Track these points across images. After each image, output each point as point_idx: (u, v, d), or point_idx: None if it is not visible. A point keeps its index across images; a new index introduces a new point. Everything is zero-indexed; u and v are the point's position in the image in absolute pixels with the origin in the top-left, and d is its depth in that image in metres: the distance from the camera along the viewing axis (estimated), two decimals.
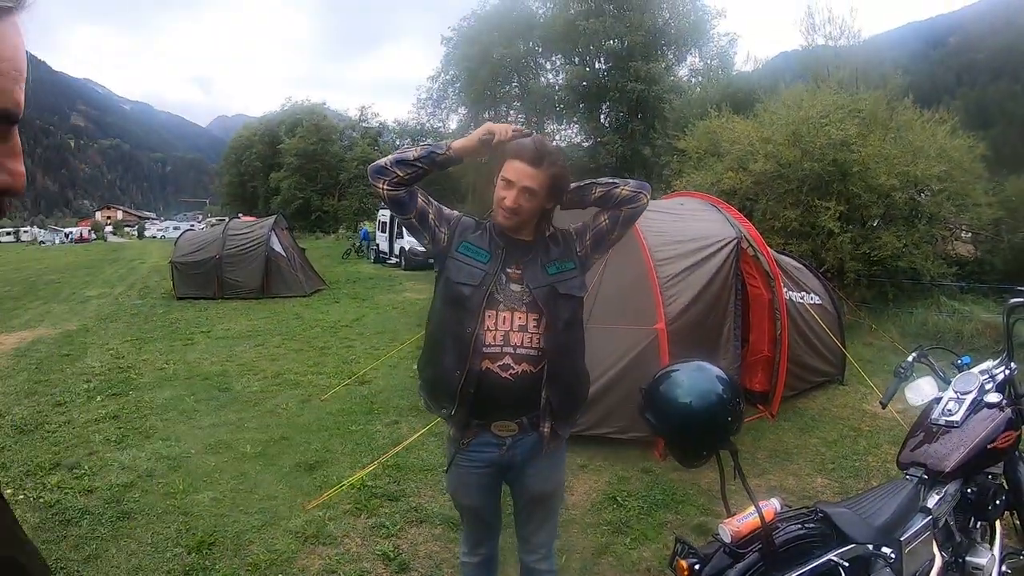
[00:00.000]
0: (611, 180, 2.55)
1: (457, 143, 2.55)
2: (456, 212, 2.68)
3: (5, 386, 8.15)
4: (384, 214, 28.12)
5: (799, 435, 6.08)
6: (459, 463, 2.65)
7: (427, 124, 34.79)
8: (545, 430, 2.54)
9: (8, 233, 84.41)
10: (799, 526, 2.33)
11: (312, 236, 44.57)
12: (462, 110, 33.74)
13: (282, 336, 11.42)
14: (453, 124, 34.19)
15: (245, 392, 7.83)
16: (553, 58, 30.52)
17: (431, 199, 2.61)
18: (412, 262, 23.69)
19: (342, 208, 48.59)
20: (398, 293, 17.73)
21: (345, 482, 5.03)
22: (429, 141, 2.42)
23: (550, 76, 30.99)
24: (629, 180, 2.54)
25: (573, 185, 2.54)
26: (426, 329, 2.71)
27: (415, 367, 2.84)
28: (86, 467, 5.52)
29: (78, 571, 3.94)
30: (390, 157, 2.52)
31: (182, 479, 5.26)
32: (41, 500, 4.88)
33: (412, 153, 2.50)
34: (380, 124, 50.78)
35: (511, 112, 32.10)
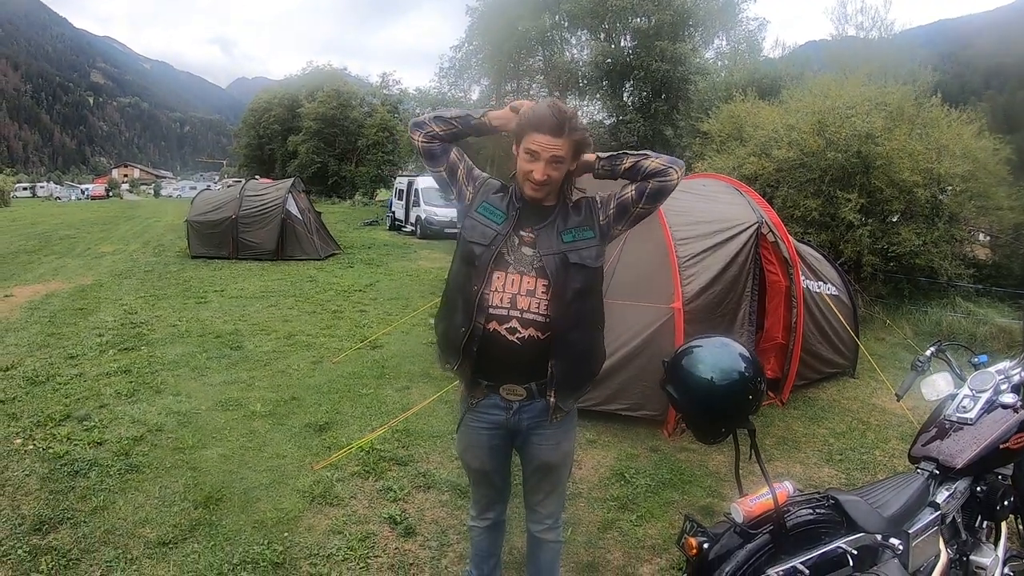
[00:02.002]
0: (643, 152, 2.51)
1: (493, 113, 2.62)
2: (486, 174, 2.69)
3: (18, 338, 8.20)
4: (401, 182, 28.03)
5: (808, 424, 6.06)
6: (468, 422, 2.69)
7: (448, 94, 34.44)
8: (551, 399, 2.54)
9: (25, 188, 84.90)
10: (810, 511, 2.32)
11: (328, 201, 44.67)
12: (484, 81, 33.39)
13: (295, 298, 11.46)
14: (475, 95, 33.87)
15: (257, 351, 7.87)
16: (579, 33, 30.00)
17: (464, 156, 2.66)
18: (427, 231, 23.71)
19: (359, 174, 48.53)
20: (412, 261, 17.73)
21: (354, 444, 5.07)
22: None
23: (575, 51, 30.53)
24: (662, 154, 2.50)
25: (604, 155, 2.53)
26: (445, 286, 2.72)
27: (432, 322, 2.85)
28: (96, 420, 5.58)
29: (85, 522, 3.98)
30: (431, 112, 2.63)
31: (191, 435, 5.31)
32: (50, 451, 4.93)
33: (450, 112, 2.62)
34: (401, 92, 50.48)
35: (534, 85, 31.84)
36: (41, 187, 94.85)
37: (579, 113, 2.64)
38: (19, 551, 3.64)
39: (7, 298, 10.86)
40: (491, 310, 2.45)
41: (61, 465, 4.71)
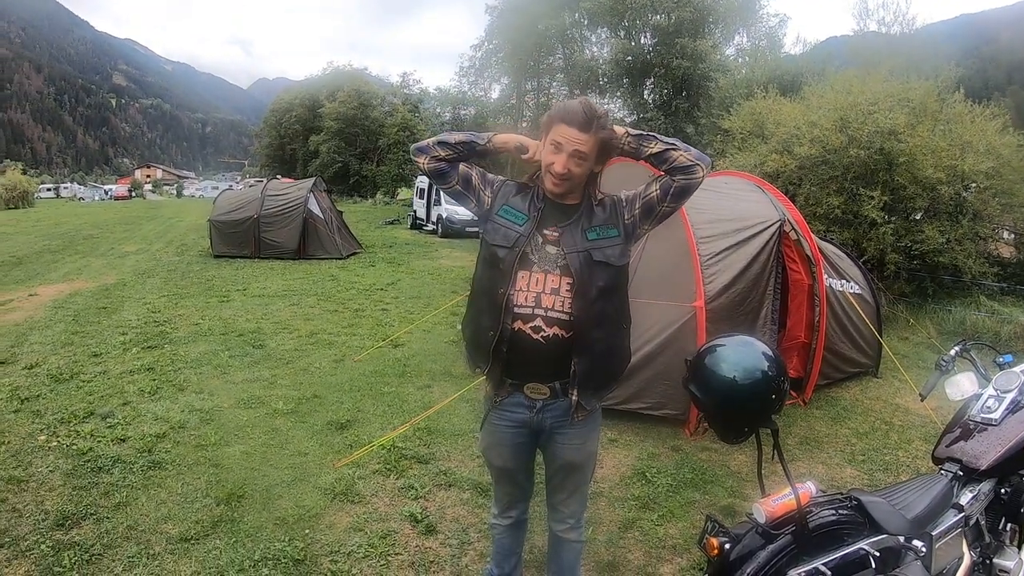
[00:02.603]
0: (673, 140, 2.48)
1: (499, 138, 2.64)
2: (501, 177, 2.70)
3: (42, 336, 8.30)
4: (422, 180, 28.12)
5: (830, 424, 6.02)
6: (492, 420, 2.70)
7: (469, 92, 34.54)
8: (573, 397, 2.54)
9: (48, 189, 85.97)
10: (833, 512, 2.31)
11: (350, 200, 44.86)
12: (505, 80, 33.46)
13: (317, 296, 11.52)
14: (495, 93, 33.97)
15: (279, 350, 7.91)
16: (598, 31, 30.02)
17: (473, 164, 2.67)
18: (449, 229, 23.81)
19: (380, 173, 48.66)
20: (434, 260, 17.76)
21: (376, 442, 5.09)
22: (471, 131, 2.43)
23: (595, 49, 30.56)
24: (691, 147, 2.47)
25: (634, 132, 2.50)
26: (470, 290, 2.73)
27: (459, 327, 2.86)
28: (119, 417, 5.64)
29: (108, 517, 4.02)
30: (434, 138, 2.64)
31: (214, 432, 5.36)
32: (74, 447, 4.99)
33: (454, 137, 2.62)
34: (421, 91, 50.56)
35: (554, 84, 31.85)
36: (65, 188, 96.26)
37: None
38: (42, 546, 3.69)
39: (32, 297, 10.98)
40: (516, 309, 2.45)
41: (84, 461, 4.76)
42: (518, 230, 2.50)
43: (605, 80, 28.73)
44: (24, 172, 58.72)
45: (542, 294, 2.45)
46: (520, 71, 31.02)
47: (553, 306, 2.44)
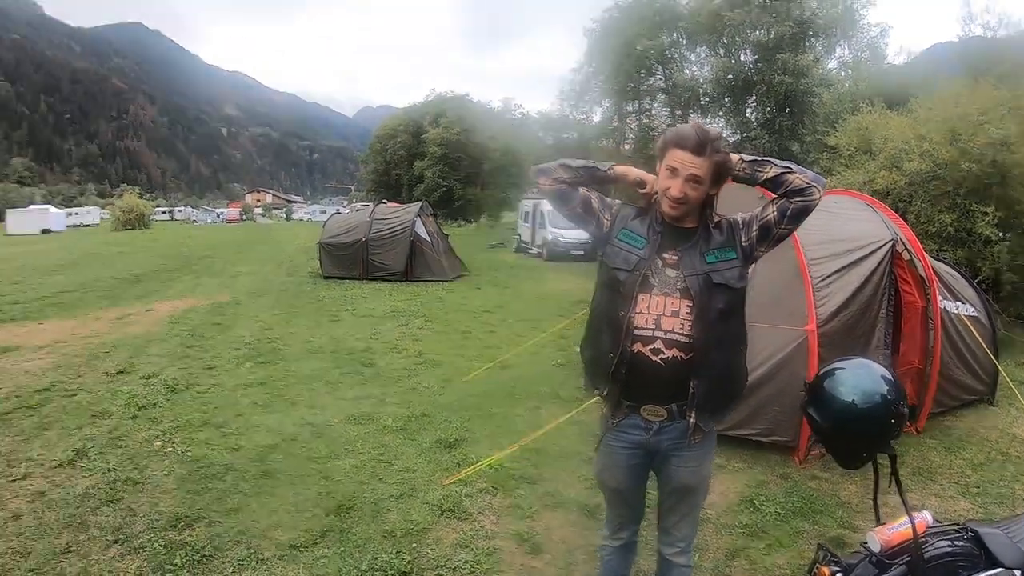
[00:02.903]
0: (787, 164, 2.49)
1: (619, 168, 2.70)
2: (618, 200, 2.74)
3: (160, 349, 8.74)
4: (527, 204, 28.26)
5: (944, 454, 5.78)
6: (608, 442, 2.72)
7: (570, 116, 34.41)
8: (691, 420, 2.55)
9: (163, 212, 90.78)
10: (948, 543, 2.25)
11: (454, 223, 45.58)
12: (606, 102, 33.01)
13: (425, 318, 11.71)
14: (596, 116, 33.62)
15: (388, 369, 8.10)
16: (697, 50, 29.61)
17: (592, 188, 2.71)
18: (554, 253, 23.86)
19: (484, 197, 49.28)
20: (540, 283, 17.81)
21: (484, 461, 5.15)
22: (589, 161, 2.47)
23: (695, 68, 30.09)
24: (806, 170, 2.48)
25: (748, 158, 2.52)
26: (589, 313, 2.76)
27: (577, 348, 2.91)
28: (233, 427, 5.90)
29: (219, 521, 4.23)
30: (556, 161, 2.71)
31: (324, 445, 5.53)
32: (188, 454, 5.26)
33: (576, 163, 2.69)
34: (523, 115, 50.94)
35: (655, 105, 31.53)
36: (179, 211, 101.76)
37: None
38: (155, 544, 3.91)
39: (149, 312, 11.57)
40: (636, 332, 2.48)
41: (198, 467, 5.02)
42: (638, 253, 2.53)
43: (707, 100, 28.30)
44: (140, 196, 62.31)
45: (662, 316, 2.47)
46: (620, 93, 30.72)
47: (673, 328, 2.47)
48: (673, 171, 2.43)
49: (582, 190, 2.69)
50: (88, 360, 8.11)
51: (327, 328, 10.55)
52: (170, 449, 5.36)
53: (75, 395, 6.77)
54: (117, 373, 7.54)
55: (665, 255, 2.52)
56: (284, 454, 5.35)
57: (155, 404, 6.47)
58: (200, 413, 6.24)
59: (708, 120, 28.47)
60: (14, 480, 4.78)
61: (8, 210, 60.69)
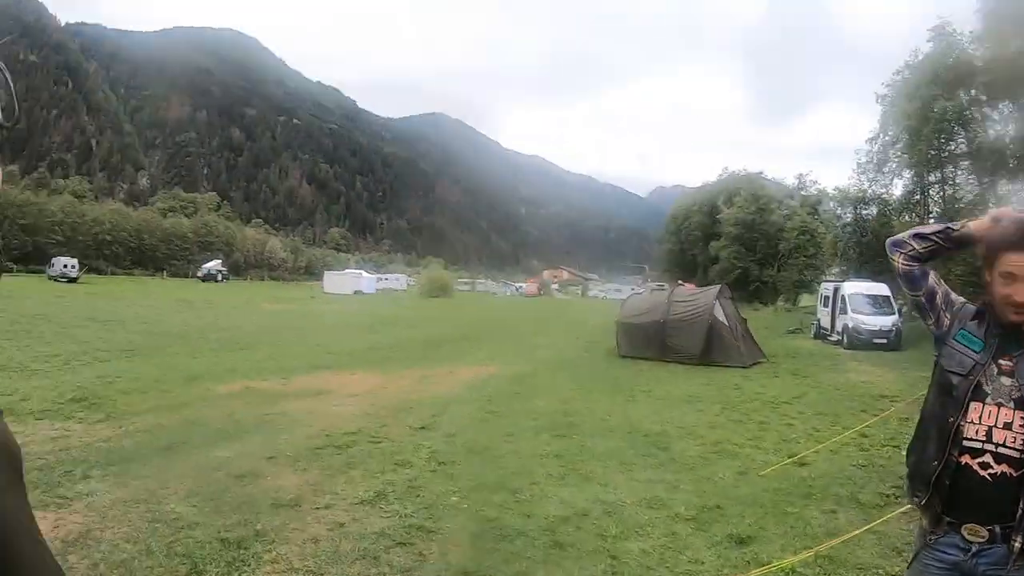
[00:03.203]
0: None
1: (974, 223, 2.45)
2: (962, 298, 2.55)
3: (460, 410, 9.35)
4: (827, 288, 27.01)
5: None
6: (922, 559, 2.50)
7: (869, 190, 32.45)
8: (1016, 544, 2.25)
9: (465, 283, 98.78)
10: None
11: (750, 307, 44.45)
12: (906, 173, 30.90)
13: (721, 405, 11.52)
14: (897, 190, 31.46)
15: (683, 455, 8.02)
16: (1000, 106, 26.67)
17: (941, 281, 2.55)
18: (855, 341, 22.43)
19: (781, 279, 47.81)
20: (841, 373, 16.88)
21: (775, 563, 4.92)
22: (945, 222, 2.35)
23: (999, 127, 27.02)
24: None
25: None
26: (920, 415, 2.60)
27: (903, 451, 2.74)
28: (527, 494, 6.12)
29: None
30: (909, 231, 2.55)
31: (615, 525, 5.56)
32: (482, 513, 5.53)
33: (929, 228, 2.53)
34: (819, 191, 49.07)
35: (959, 172, 28.65)
36: (480, 283, 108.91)
37: (1014, 200, 2.39)
38: None
39: (451, 374, 12.47)
40: (965, 442, 2.30)
41: (491, 527, 5.26)
42: (974, 357, 2.35)
43: (1015, 162, 25.07)
44: (445, 268, 68.59)
45: (994, 428, 2.26)
46: (921, 162, 28.32)
47: (1004, 441, 2.24)
48: (1012, 277, 2.22)
49: (931, 278, 2.53)
50: (394, 412, 8.91)
51: (623, 407, 10.69)
52: (465, 506, 5.69)
53: (380, 442, 7.47)
54: (420, 428, 8.20)
55: (1001, 361, 2.31)
56: (575, 527, 5.44)
57: (454, 461, 6.92)
58: (496, 476, 6.57)
59: (1019, 187, 25.19)
60: (317, 508, 5.38)
61: (327, 272, 69.81)
